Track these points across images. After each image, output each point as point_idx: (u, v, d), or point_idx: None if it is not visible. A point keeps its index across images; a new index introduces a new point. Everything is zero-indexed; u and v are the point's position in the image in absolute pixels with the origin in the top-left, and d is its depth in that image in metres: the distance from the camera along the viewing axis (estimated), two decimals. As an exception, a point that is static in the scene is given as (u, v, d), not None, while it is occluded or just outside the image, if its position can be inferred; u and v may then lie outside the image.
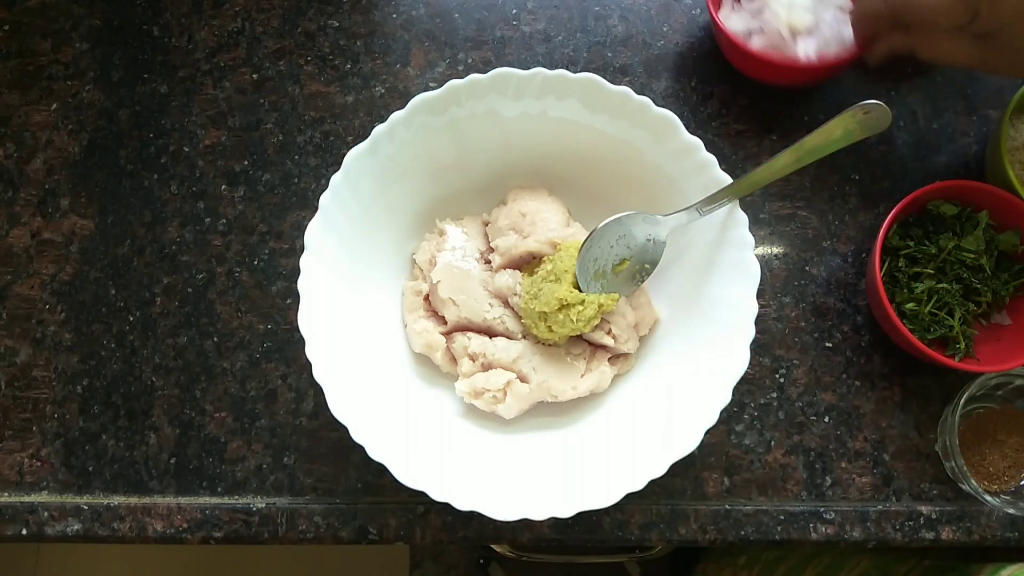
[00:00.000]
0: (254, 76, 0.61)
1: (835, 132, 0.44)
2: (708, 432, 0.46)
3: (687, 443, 0.46)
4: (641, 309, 0.52)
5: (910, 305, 0.52)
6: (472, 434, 0.50)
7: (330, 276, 0.49)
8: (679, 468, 0.46)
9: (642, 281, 0.52)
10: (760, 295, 0.48)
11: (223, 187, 0.59)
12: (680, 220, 0.50)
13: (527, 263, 0.53)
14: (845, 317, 0.56)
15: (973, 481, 0.50)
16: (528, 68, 0.49)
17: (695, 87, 0.60)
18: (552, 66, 0.51)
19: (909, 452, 0.54)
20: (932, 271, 0.53)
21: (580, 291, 0.51)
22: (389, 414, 0.49)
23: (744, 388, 0.55)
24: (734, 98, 0.60)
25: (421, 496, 0.45)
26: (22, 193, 0.59)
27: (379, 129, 0.49)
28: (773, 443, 0.54)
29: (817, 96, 0.60)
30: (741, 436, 0.54)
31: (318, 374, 0.46)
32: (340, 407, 0.46)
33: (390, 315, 0.53)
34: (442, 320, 0.52)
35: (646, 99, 0.49)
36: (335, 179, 0.49)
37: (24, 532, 0.53)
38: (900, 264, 0.53)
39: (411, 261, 0.55)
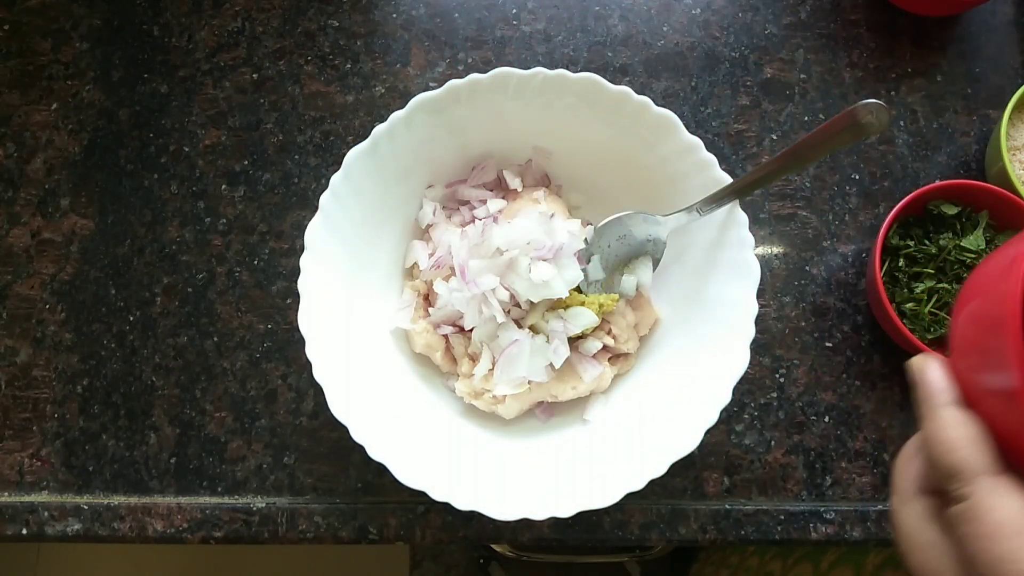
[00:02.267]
0: (254, 76, 0.61)
1: (835, 132, 0.44)
2: (708, 432, 0.46)
3: (687, 443, 0.46)
4: (641, 309, 0.52)
5: (910, 305, 0.52)
6: (472, 434, 0.50)
7: (330, 276, 0.49)
8: (679, 468, 0.46)
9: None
10: (760, 295, 0.48)
11: (223, 187, 0.59)
12: (680, 220, 0.50)
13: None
14: (845, 317, 0.56)
15: (973, 481, 0.50)
16: (528, 68, 0.49)
17: (695, 87, 0.61)
18: (552, 66, 0.51)
19: (909, 452, 0.54)
20: (932, 271, 0.53)
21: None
22: (389, 414, 0.49)
23: (744, 388, 0.55)
24: (734, 98, 0.60)
25: (421, 496, 0.45)
26: (22, 193, 0.59)
27: (379, 129, 0.49)
28: (773, 443, 0.54)
29: (816, 96, 0.60)
30: (741, 436, 0.54)
31: (318, 374, 0.46)
32: (340, 407, 0.46)
33: (390, 314, 0.53)
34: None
35: (646, 99, 0.49)
36: (335, 179, 0.49)
37: (24, 532, 0.53)
38: (900, 264, 0.53)
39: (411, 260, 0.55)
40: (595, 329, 0.50)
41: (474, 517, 0.52)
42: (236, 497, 0.53)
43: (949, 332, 0.32)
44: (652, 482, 0.45)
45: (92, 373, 0.56)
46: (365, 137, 0.49)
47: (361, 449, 0.45)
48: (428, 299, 0.53)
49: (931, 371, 0.32)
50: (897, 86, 0.61)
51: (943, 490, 0.30)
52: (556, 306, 0.49)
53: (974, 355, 0.30)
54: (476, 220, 0.53)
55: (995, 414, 0.29)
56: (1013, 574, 0.26)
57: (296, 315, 0.47)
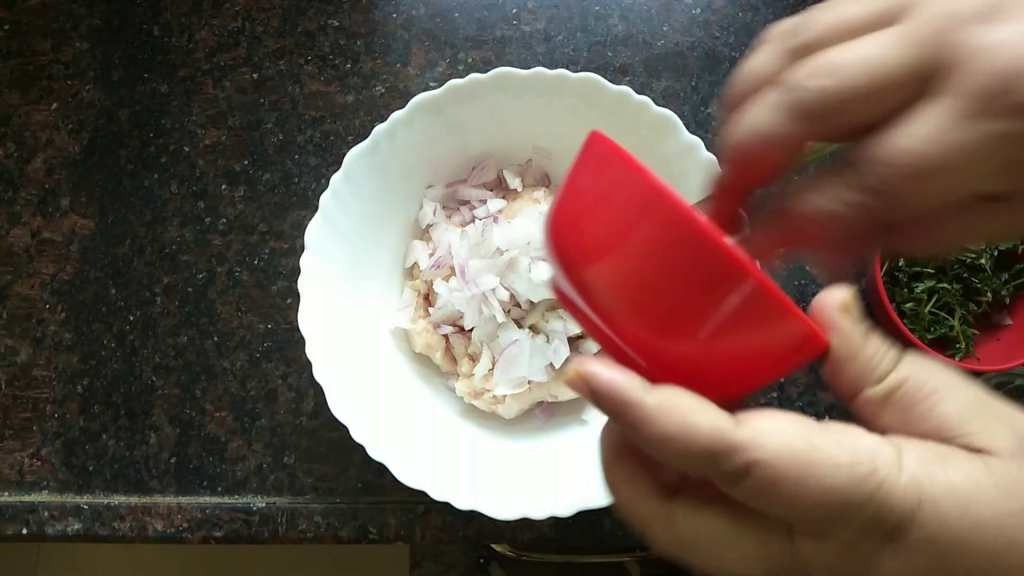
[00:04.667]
0: (254, 76, 0.61)
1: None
2: (708, 432, 0.45)
3: (687, 443, 0.46)
4: (641, 309, 0.52)
5: (910, 305, 0.52)
6: (472, 434, 0.50)
7: (330, 276, 0.49)
8: (679, 468, 0.46)
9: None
10: (760, 295, 0.47)
11: (223, 187, 0.59)
12: (680, 220, 0.50)
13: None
14: (845, 317, 0.56)
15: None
16: (528, 67, 0.49)
17: (695, 87, 0.61)
18: (552, 65, 0.51)
19: (909, 452, 0.54)
20: (932, 271, 0.53)
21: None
22: (389, 414, 0.49)
23: (744, 388, 0.55)
24: (734, 98, 0.60)
25: (421, 496, 0.45)
26: (22, 193, 0.59)
27: (379, 129, 0.49)
28: (773, 443, 0.54)
29: (817, 96, 0.60)
30: (741, 436, 0.54)
31: (318, 374, 0.46)
32: (340, 407, 0.46)
33: (390, 315, 0.53)
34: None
35: (646, 99, 0.49)
36: (335, 179, 0.49)
37: (24, 532, 0.53)
38: (900, 264, 0.53)
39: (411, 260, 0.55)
40: (595, 329, 0.50)
41: (474, 517, 0.52)
42: (236, 497, 0.53)
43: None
44: (652, 482, 0.45)
45: (92, 373, 0.56)
46: (365, 137, 0.49)
47: (361, 449, 0.45)
48: (428, 299, 0.53)
49: (601, 372, 0.24)
50: (897, 86, 0.61)
51: (715, 476, 0.24)
52: (556, 306, 0.49)
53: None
54: (476, 220, 0.53)
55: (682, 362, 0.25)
56: (842, 487, 0.22)
57: (296, 315, 0.47)
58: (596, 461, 0.26)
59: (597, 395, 0.24)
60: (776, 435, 0.23)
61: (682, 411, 0.23)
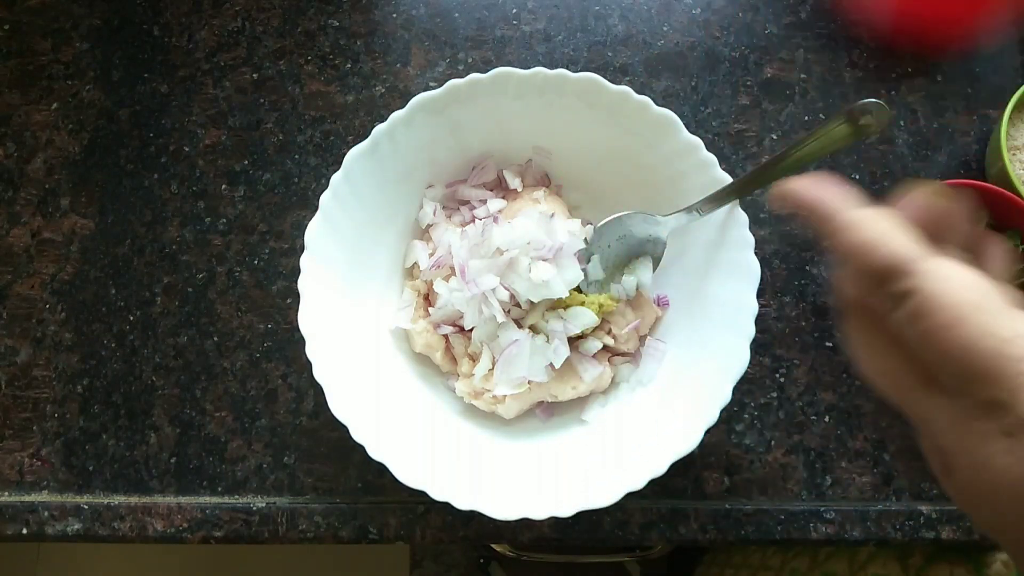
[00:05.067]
0: (254, 76, 0.61)
1: (834, 132, 0.44)
2: (708, 431, 0.46)
3: (687, 442, 0.46)
4: (641, 309, 0.52)
5: (910, 305, 0.52)
6: (472, 434, 0.50)
7: (330, 275, 0.49)
8: (679, 467, 0.46)
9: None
10: (760, 295, 0.48)
11: (223, 187, 0.59)
12: (680, 220, 0.50)
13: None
14: (845, 317, 0.56)
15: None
16: (528, 67, 0.49)
17: (695, 87, 0.61)
18: (552, 65, 0.51)
19: (909, 452, 0.54)
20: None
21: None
22: (389, 414, 0.49)
23: (744, 388, 0.55)
24: (734, 98, 0.60)
25: (421, 496, 0.45)
26: (22, 193, 0.59)
27: (379, 129, 0.49)
28: (773, 443, 0.54)
29: (816, 95, 0.60)
30: (741, 436, 0.54)
31: (318, 374, 0.46)
32: (340, 407, 0.46)
33: (390, 315, 0.53)
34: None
35: (646, 99, 0.49)
36: (335, 179, 0.49)
37: (24, 532, 0.53)
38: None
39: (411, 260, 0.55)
40: (595, 329, 0.50)
41: (474, 517, 0.52)
42: (236, 497, 0.53)
43: None
44: (652, 482, 0.45)
45: (92, 373, 0.56)
46: (365, 137, 0.49)
47: (361, 449, 0.45)
48: (428, 299, 0.53)
49: (808, 187, 0.31)
50: (897, 86, 0.61)
51: (884, 296, 0.27)
52: (556, 306, 0.49)
53: None
54: (476, 220, 0.53)
55: None
56: (988, 351, 0.23)
57: (296, 315, 0.47)
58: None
59: (802, 207, 0.30)
60: (950, 280, 0.25)
61: (873, 230, 0.27)
